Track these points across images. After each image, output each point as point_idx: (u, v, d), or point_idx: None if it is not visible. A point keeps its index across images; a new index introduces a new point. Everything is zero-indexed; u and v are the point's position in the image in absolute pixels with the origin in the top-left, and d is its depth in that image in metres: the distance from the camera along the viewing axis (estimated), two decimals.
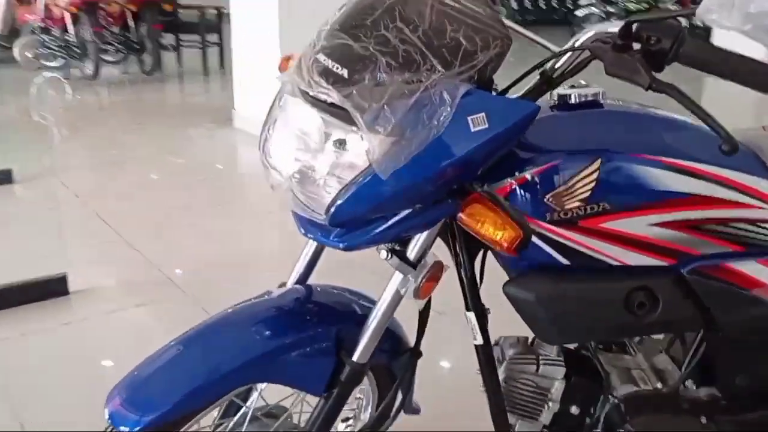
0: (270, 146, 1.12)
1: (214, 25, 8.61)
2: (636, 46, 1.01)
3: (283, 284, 1.35)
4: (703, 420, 1.29)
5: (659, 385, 1.33)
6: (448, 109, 0.96)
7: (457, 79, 0.98)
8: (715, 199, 1.13)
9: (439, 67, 0.97)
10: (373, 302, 1.22)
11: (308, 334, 1.20)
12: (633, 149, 1.12)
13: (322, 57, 1.01)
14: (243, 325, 1.21)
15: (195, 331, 1.20)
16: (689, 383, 1.34)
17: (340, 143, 1.01)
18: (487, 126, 0.98)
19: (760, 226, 1.15)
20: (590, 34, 1.11)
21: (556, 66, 1.16)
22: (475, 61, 0.99)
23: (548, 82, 1.15)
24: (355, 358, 1.18)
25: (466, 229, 1.06)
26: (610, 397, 1.32)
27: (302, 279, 1.34)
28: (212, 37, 8.65)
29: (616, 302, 1.16)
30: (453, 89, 0.97)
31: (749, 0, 0.90)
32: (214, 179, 4.60)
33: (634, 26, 1.01)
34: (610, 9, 11.02)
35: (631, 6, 10.89)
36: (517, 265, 1.19)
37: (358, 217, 1.05)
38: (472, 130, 0.98)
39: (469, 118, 0.98)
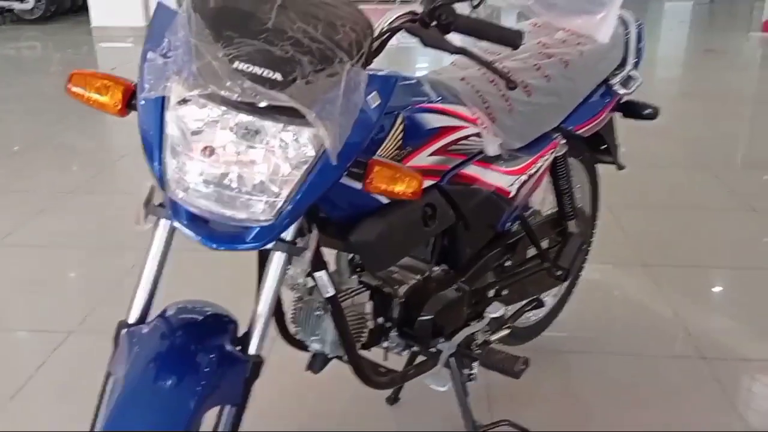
0: (178, 169, 1.11)
1: None
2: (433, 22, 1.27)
3: (124, 323, 1.22)
4: (455, 288, 1.68)
5: (418, 276, 1.66)
6: (361, 93, 1.09)
7: (357, 66, 1.10)
8: (454, 127, 1.49)
9: (346, 59, 1.08)
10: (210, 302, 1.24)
11: (216, 356, 1.15)
12: (413, 102, 1.41)
13: (244, 65, 1.03)
14: (150, 389, 1.09)
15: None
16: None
17: (283, 141, 1.08)
18: (380, 101, 1.15)
19: (469, 140, 1.55)
20: (394, 16, 1.27)
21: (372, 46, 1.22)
22: (364, 47, 1.11)
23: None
24: (252, 351, 1.19)
25: (374, 192, 1.21)
26: (395, 300, 1.60)
27: (143, 314, 1.23)
28: None
29: (418, 221, 1.46)
30: (358, 76, 1.09)
31: None
32: None
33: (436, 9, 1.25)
34: None
35: None
36: (339, 214, 1.35)
37: (309, 207, 1.14)
38: (372, 107, 1.14)
39: (368, 98, 1.13)
